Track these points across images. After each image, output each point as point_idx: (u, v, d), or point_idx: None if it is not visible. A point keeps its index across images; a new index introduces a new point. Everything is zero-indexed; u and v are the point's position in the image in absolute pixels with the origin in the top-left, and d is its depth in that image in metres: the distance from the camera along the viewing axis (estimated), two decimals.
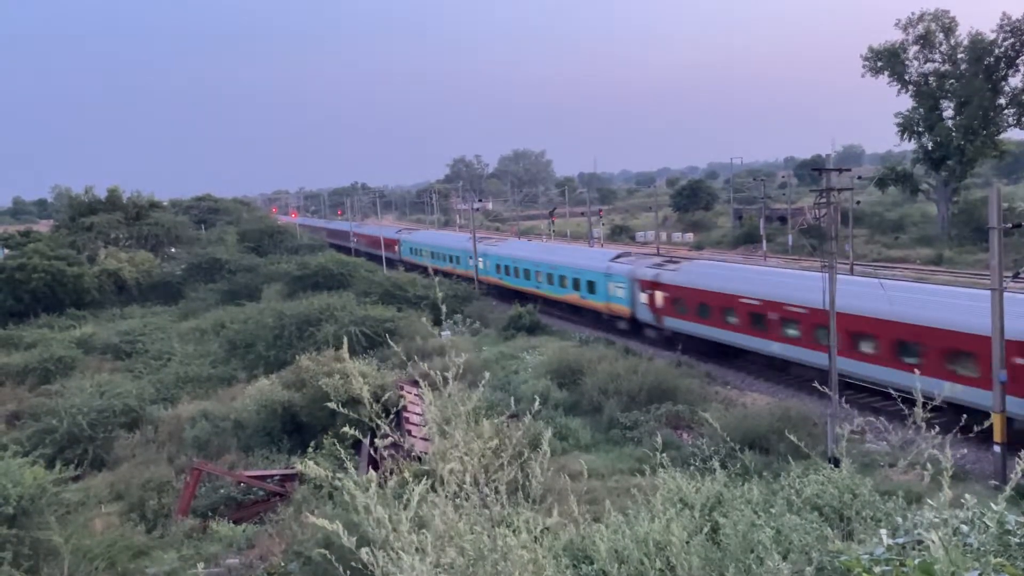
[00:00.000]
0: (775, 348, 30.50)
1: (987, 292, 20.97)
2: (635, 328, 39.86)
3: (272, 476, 22.59)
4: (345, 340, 5.60)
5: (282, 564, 15.26)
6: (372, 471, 4.26)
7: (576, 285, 44.84)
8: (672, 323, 36.57)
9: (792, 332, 29.44)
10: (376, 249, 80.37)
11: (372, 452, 4.94)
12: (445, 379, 4.56)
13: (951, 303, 25.04)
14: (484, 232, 77.05)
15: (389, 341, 9.86)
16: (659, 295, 37.11)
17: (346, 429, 4.86)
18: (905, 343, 24.84)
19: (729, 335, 32.99)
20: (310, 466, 4.47)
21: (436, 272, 59.83)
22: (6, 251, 72.11)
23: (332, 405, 5.14)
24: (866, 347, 26.22)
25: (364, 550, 3.86)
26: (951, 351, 23.37)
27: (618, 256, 44.15)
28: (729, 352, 33.73)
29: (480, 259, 57.90)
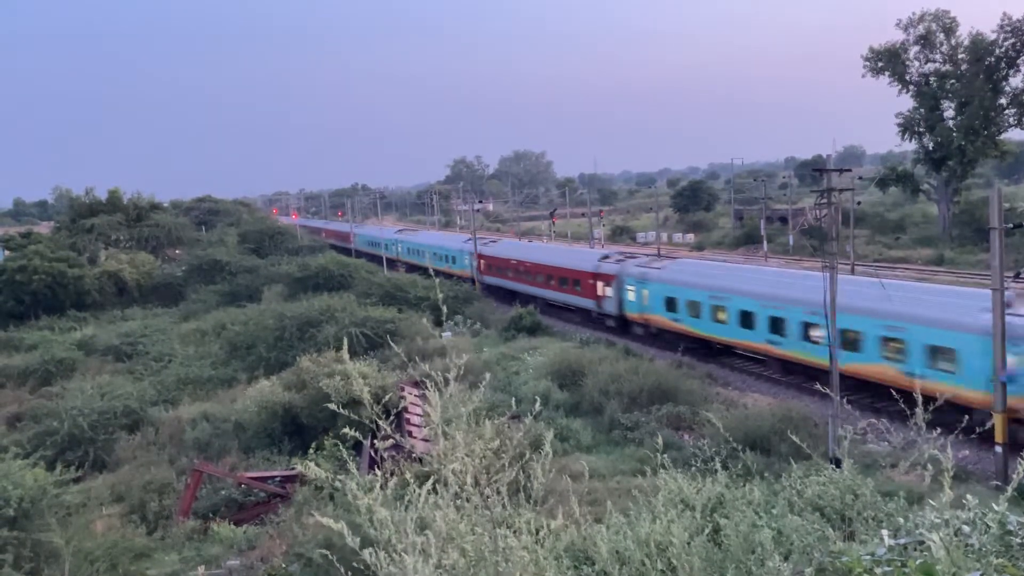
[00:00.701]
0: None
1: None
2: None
3: (273, 477, 22.59)
4: (345, 341, 5.60)
5: (283, 565, 15.25)
6: (374, 472, 4.26)
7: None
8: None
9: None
10: (339, 241, 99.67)
11: (373, 453, 4.94)
12: (446, 380, 4.55)
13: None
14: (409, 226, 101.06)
15: (390, 342, 9.85)
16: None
17: (346, 430, 4.85)
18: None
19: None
20: (311, 467, 4.47)
21: (359, 254, 76.57)
22: (7, 252, 72.10)
23: (332, 406, 5.12)
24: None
25: (367, 551, 3.85)
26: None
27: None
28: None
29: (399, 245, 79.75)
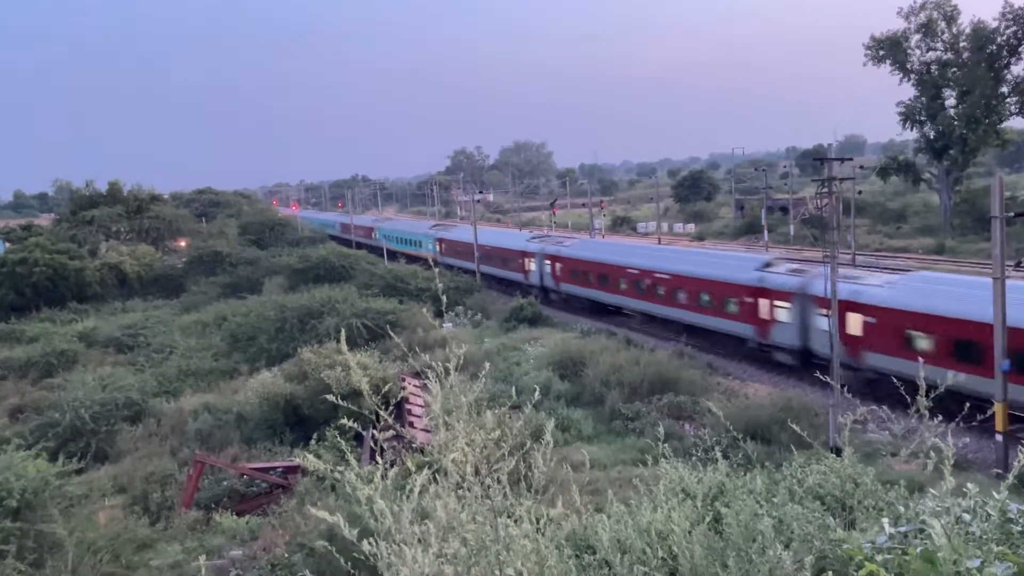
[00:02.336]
0: (631, 304, 41.88)
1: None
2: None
3: (275, 468, 22.67)
4: (343, 332, 5.58)
5: (286, 556, 15.32)
6: (375, 462, 4.26)
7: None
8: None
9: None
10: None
11: (373, 444, 4.94)
12: (446, 370, 4.55)
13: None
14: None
15: (389, 333, 9.87)
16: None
17: (344, 421, 4.85)
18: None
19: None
20: (310, 459, 4.47)
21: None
22: (7, 245, 72.15)
23: (331, 397, 5.12)
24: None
25: (366, 542, 3.86)
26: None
27: (532, 238, 55.38)
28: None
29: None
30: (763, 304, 31.96)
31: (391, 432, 5.01)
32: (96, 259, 64.97)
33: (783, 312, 31.02)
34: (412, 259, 65.95)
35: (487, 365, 5.13)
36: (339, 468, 4.26)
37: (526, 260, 52.01)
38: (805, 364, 29.79)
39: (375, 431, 4.67)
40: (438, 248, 68.05)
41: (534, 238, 55.15)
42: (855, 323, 27.50)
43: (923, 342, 25.13)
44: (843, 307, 26.84)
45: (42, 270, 57.90)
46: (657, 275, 38.75)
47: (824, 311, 27.07)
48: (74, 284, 59.55)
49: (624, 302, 42.46)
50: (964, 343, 23.06)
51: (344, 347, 5.13)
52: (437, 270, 6.39)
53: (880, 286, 28.25)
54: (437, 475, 4.33)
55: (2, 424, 30.17)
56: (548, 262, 49.22)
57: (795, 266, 33.76)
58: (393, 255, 71.52)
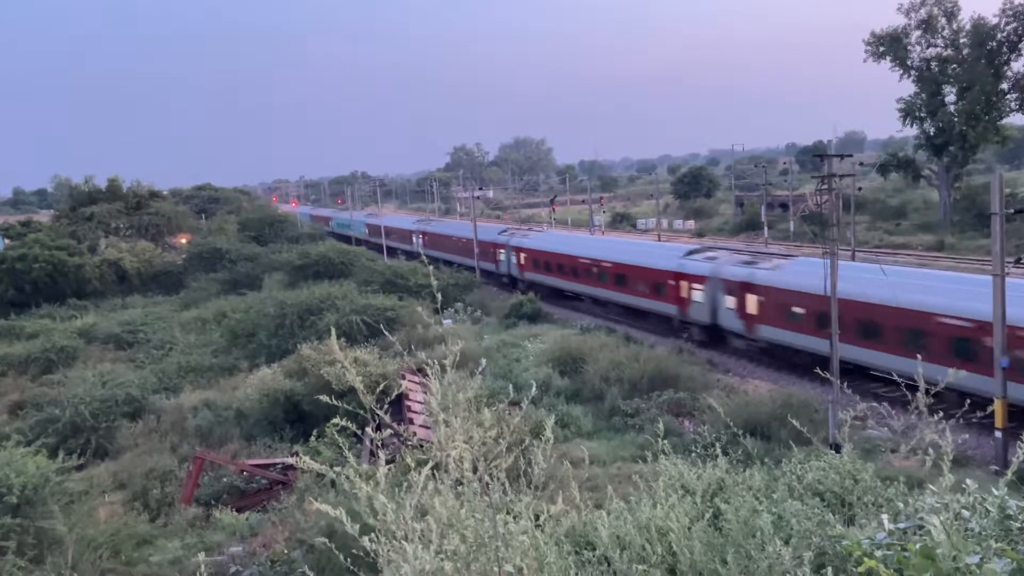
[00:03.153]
0: (582, 289, 46.81)
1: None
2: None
3: (275, 465, 22.66)
4: (332, 331, 5.59)
5: (285, 552, 15.33)
6: (374, 459, 4.26)
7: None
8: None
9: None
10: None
11: (369, 442, 4.93)
12: (444, 367, 4.55)
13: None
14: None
15: (384, 331, 9.91)
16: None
17: (336, 420, 4.86)
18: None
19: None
20: (305, 461, 4.47)
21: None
22: (7, 241, 72.07)
23: (325, 398, 5.10)
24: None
25: (367, 538, 3.86)
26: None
27: (503, 231, 60.44)
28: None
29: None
30: (683, 287, 36.86)
31: (388, 431, 5.01)
32: (95, 256, 64.91)
33: (698, 294, 35.77)
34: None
35: (483, 362, 5.12)
36: (336, 468, 4.26)
37: (497, 251, 57.16)
38: (713, 338, 35.08)
39: (370, 430, 4.66)
40: (421, 241, 73.60)
41: (504, 231, 60.01)
42: (752, 302, 32.05)
43: (797, 316, 29.59)
44: (741, 288, 32.72)
45: (42, 266, 57.86)
46: (603, 264, 44.19)
47: (729, 293, 33.23)
48: (74, 280, 59.52)
49: (577, 288, 47.63)
50: (825, 315, 24.54)
51: (335, 346, 5.12)
52: (431, 267, 6.37)
53: (769, 270, 32.57)
54: (436, 472, 4.33)
55: (2, 420, 30.20)
56: (515, 253, 54.53)
57: (711, 254, 38.52)
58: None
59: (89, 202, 76.92)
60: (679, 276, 37.17)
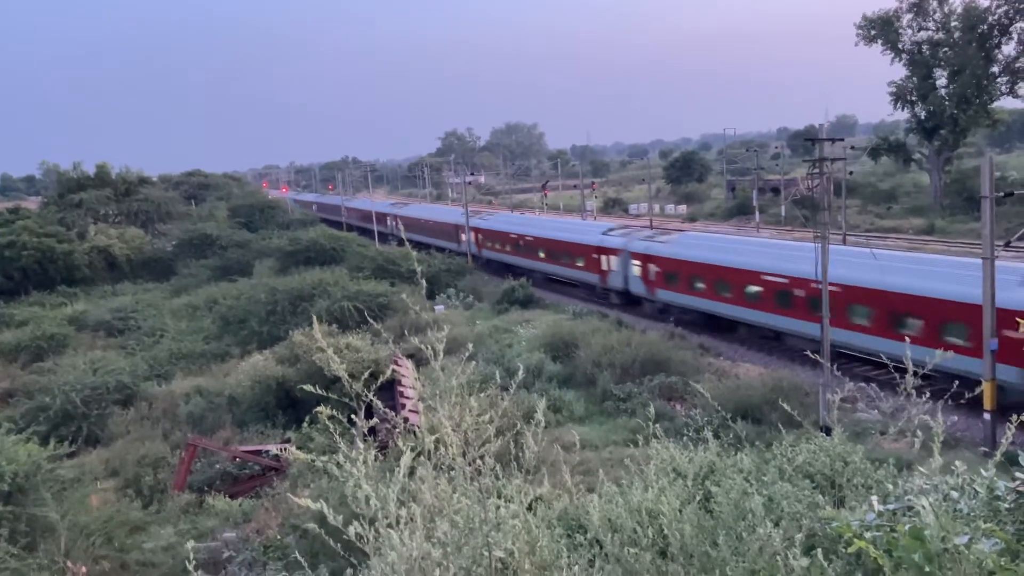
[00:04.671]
0: (527, 264, 51.58)
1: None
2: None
3: (267, 451, 22.67)
4: (315, 319, 5.57)
5: (278, 537, 15.36)
6: (367, 445, 4.25)
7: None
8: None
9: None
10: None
11: (356, 431, 4.90)
12: (434, 353, 4.53)
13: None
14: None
15: (370, 319, 9.89)
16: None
17: (323, 408, 4.83)
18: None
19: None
20: (292, 451, 4.46)
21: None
22: None
23: (310, 387, 5.08)
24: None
25: (352, 526, 3.85)
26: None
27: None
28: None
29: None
30: (603, 259, 42.69)
31: (375, 420, 5.01)
32: (85, 242, 64.51)
33: (615, 263, 41.72)
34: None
35: (470, 346, 5.11)
36: (324, 456, 4.24)
37: (459, 232, 62.96)
38: (628, 301, 41.13)
39: (356, 417, 4.65)
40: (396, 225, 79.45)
41: (464, 214, 65.28)
42: (651, 271, 38.48)
43: (678, 279, 36.58)
44: (644, 259, 39.12)
45: (30, 254, 57.50)
46: (541, 240, 50.22)
47: (637, 263, 39.58)
48: (63, 267, 59.20)
49: (522, 263, 52.41)
50: (696, 277, 35.16)
51: (319, 334, 5.10)
52: (415, 252, 6.35)
53: (663, 243, 38.95)
54: (424, 456, 4.32)
55: None
56: (474, 233, 60.29)
57: (625, 230, 45.08)
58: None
59: (78, 188, 76.35)
60: (600, 250, 43.03)
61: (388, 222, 77.94)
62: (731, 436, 8.81)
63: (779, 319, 30.91)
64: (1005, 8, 59.13)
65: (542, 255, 49.95)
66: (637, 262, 39.49)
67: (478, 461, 4.13)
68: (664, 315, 37.61)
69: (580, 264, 45.31)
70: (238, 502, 19.91)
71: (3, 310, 49.01)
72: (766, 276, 31.43)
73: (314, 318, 5.49)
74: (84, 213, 71.80)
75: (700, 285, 35.21)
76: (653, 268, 38.16)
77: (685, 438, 7.69)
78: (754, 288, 32.04)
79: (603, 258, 42.70)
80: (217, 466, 22.77)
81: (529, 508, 4.58)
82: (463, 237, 61.83)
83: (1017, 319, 23.60)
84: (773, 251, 33.62)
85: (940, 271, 26.25)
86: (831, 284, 25.35)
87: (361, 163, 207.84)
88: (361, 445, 4.07)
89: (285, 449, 4.88)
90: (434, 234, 67.61)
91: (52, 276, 58.07)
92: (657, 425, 6.23)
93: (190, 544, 4.53)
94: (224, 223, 74.84)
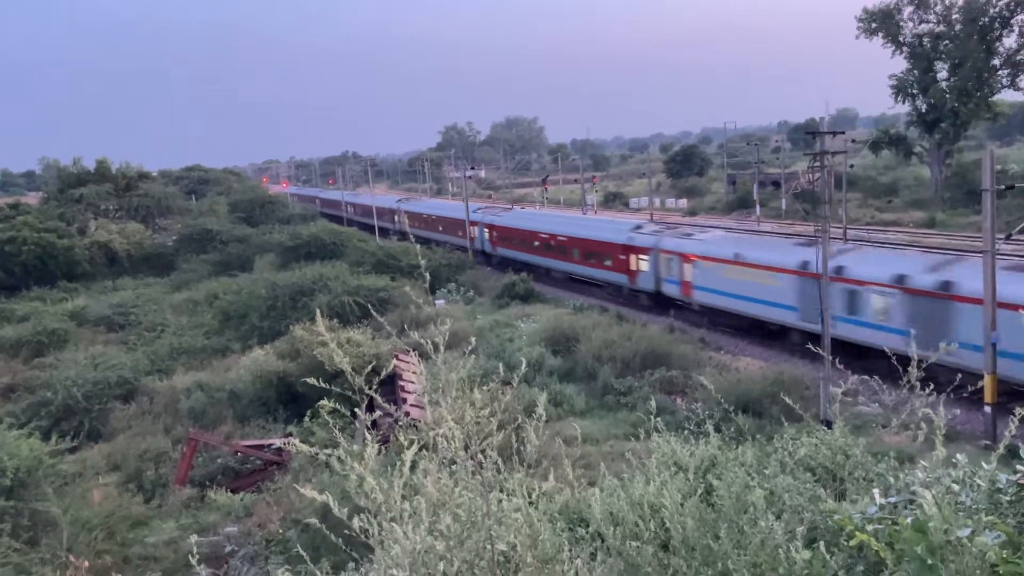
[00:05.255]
0: (545, 263, 50.39)
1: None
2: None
3: (268, 445, 22.72)
4: (318, 313, 5.56)
5: (280, 531, 15.40)
6: (368, 439, 4.25)
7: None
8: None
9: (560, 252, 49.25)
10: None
11: (361, 423, 4.90)
12: (435, 347, 4.53)
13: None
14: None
15: (374, 312, 9.88)
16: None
17: (326, 402, 4.83)
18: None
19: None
20: (294, 444, 4.46)
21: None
22: None
23: (314, 381, 5.08)
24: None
25: (356, 520, 3.85)
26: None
27: (478, 209, 62.95)
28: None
29: None
30: (632, 258, 39.90)
31: (378, 413, 5.01)
32: (85, 237, 64.48)
33: (644, 263, 38.85)
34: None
35: (472, 341, 5.10)
36: (327, 450, 4.24)
37: (471, 228, 60.80)
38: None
39: (359, 411, 4.65)
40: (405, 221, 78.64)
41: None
42: (686, 271, 35.67)
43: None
44: (682, 257, 35.96)
45: (31, 249, 57.47)
46: (564, 238, 47.28)
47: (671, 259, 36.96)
48: (63, 263, 59.18)
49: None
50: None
51: (322, 328, 5.08)
52: (418, 246, 6.33)
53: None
54: (427, 450, 4.32)
55: None
56: (487, 230, 57.76)
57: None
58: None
59: (78, 184, 76.26)
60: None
61: (395, 219, 77.35)
62: (732, 429, 8.81)
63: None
64: (1006, 1, 58.95)
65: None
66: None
67: (479, 455, 4.14)
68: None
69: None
70: (239, 496, 19.95)
71: (4, 305, 49.03)
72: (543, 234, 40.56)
73: (317, 313, 5.47)
74: (84, 208, 71.74)
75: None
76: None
77: (686, 432, 7.69)
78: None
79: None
80: (219, 460, 22.82)
81: (531, 502, 4.58)
82: (474, 233, 59.90)
83: (630, 254, 39.25)
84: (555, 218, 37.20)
85: (598, 224, 46.78)
86: (564, 236, 47.32)
87: (361, 158, 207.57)
88: (368, 437, 4.06)
89: (288, 442, 4.88)
90: (444, 230, 65.90)
91: (53, 271, 58.06)
92: (658, 419, 6.24)
93: (193, 538, 4.54)
94: (224, 218, 74.78)
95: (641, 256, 38.98)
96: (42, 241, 58.23)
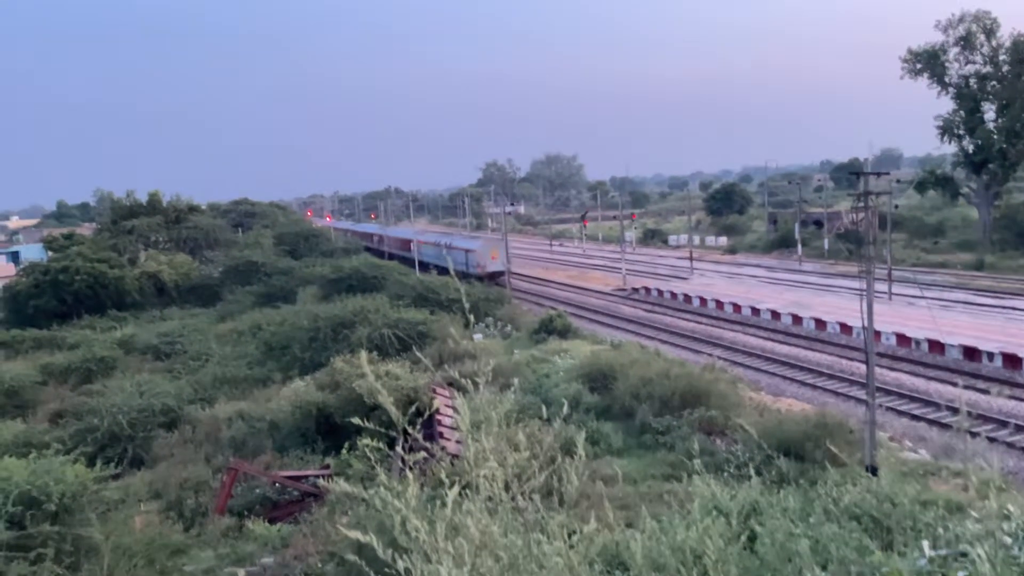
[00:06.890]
0: None
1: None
2: None
3: (307, 476, 22.82)
4: (364, 346, 5.63)
5: (318, 565, 15.40)
6: (406, 477, 4.28)
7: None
8: None
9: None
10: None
11: (401, 463, 4.92)
12: (475, 383, 4.55)
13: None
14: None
15: (415, 350, 9.97)
16: None
17: (367, 441, 4.85)
18: None
19: None
20: (339, 484, 4.51)
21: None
22: (50, 254, 73.74)
23: (356, 420, 5.12)
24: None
25: (400, 560, 3.86)
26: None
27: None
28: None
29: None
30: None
31: (421, 453, 5.03)
32: (135, 268, 66.15)
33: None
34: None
35: (516, 381, 5.13)
36: (368, 490, 4.26)
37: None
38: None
39: (400, 447, 4.68)
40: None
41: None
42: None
43: None
44: None
45: (83, 278, 59.07)
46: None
47: None
48: (114, 292, 60.68)
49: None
50: None
51: (365, 363, 5.13)
52: (462, 283, 6.40)
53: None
54: (467, 490, 4.33)
55: (42, 429, 30.74)
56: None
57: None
58: None
59: (130, 215, 78.46)
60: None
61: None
62: (774, 473, 8.65)
63: None
64: None
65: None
66: None
67: (519, 497, 4.13)
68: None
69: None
70: (277, 527, 20.02)
71: (56, 333, 50.34)
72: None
73: (362, 353, 5.54)
74: (135, 239, 73.70)
75: None
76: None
77: (726, 474, 7.56)
78: None
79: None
80: (257, 490, 22.94)
81: (570, 544, 4.55)
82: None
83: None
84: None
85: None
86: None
87: (403, 193, 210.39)
88: (410, 476, 4.08)
89: (329, 478, 4.93)
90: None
91: (103, 300, 59.52)
92: (698, 460, 6.16)
93: (229, 571, 4.58)
94: (269, 250, 76.18)
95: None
96: (94, 271, 59.83)
